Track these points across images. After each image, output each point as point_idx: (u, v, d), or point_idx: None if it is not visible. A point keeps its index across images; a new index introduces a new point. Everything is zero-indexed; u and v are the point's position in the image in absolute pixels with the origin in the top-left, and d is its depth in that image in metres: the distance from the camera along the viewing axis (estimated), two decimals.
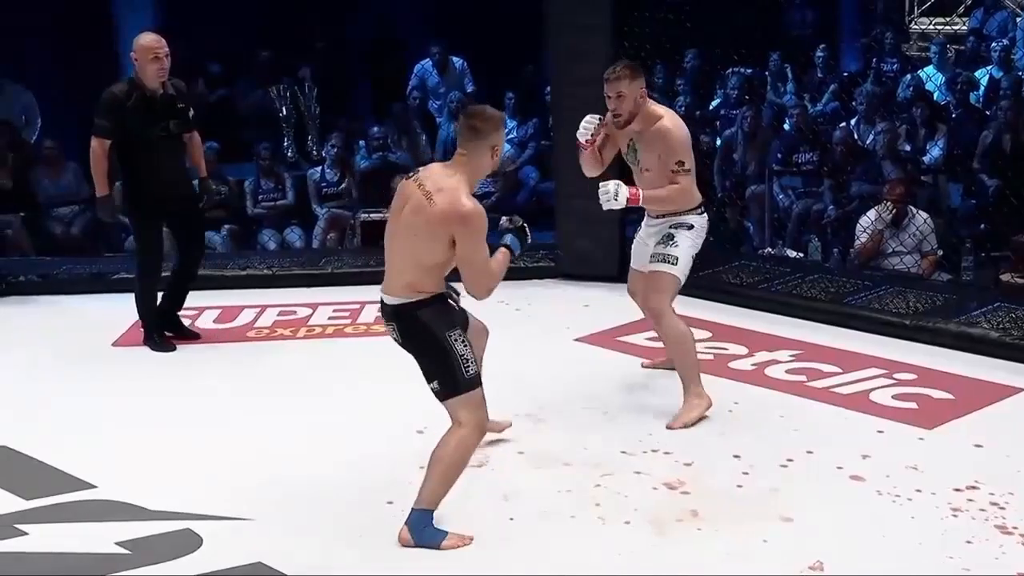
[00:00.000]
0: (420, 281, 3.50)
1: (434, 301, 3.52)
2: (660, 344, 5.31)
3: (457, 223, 3.40)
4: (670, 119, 4.45)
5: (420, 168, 3.65)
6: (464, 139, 3.50)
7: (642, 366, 4.98)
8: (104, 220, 5.38)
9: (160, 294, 5.52)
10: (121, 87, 5.18)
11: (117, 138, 5.13)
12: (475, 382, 3.51)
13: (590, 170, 4.63)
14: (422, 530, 3.50)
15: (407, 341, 3.57)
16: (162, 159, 5.22)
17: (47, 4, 7.54)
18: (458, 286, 3.58)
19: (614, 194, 4.34)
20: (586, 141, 4.51)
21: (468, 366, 3.49)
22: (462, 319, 3.68)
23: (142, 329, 5.48)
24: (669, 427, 4.38)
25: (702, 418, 4.43)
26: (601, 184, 4.38)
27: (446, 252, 3.45)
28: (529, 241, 3.70)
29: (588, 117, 4.50)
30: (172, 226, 5.50)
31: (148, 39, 5.17)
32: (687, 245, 4.47)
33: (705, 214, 4.56)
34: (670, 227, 4.49)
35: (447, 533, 3.52)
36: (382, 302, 3.58)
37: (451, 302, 3.62)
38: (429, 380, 3.56)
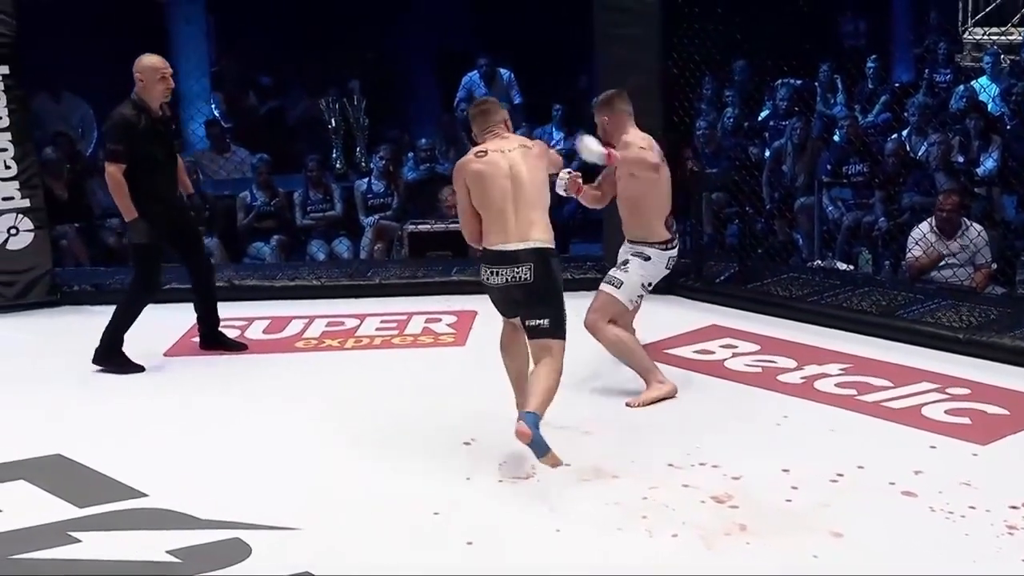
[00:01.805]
0: (548, 229, 4.18)
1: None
2: (707, 357, 5.33)
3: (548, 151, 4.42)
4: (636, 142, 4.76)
5: (485, 147, 4.25)
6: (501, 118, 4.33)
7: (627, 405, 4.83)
8: (139, 242, 5.21)
9: (196, 315, 5.55)
10: (130, 110, 5.13)
11: (129, 161, 5.08)
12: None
13: (594, 205, 5.03)
14: (536, 428, 3.90)
15: (537, 281, 4.11)
16: (168, 179, 5.27)
17: (104, 17, 7.67)
18: None
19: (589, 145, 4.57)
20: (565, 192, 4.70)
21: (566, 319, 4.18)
22: None
23: (103, 345, 5.31)
24: (628, 404, 4.68)
25: (663, 399, 4.70)
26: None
27: None
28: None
29: (561, 173, 4.65)
30: (177, 244, 5.45)
31: (154, 59, 5.16)
32: (637, 273, 4.77)
33: (669, 251, 4.81)
34: (631, 253, 4.81)
35: (549, 450, 3.90)
36: (509, 252, 4.10)
37: None
38: (537, 318, 4.12)
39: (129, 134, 5.08)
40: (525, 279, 4.11)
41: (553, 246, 4.21)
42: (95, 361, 5.30)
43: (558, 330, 4.14)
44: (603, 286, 4.82)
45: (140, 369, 5.31)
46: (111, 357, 5.30)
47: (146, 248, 5.22)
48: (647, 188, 4.76)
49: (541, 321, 4.12)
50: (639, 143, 4.75)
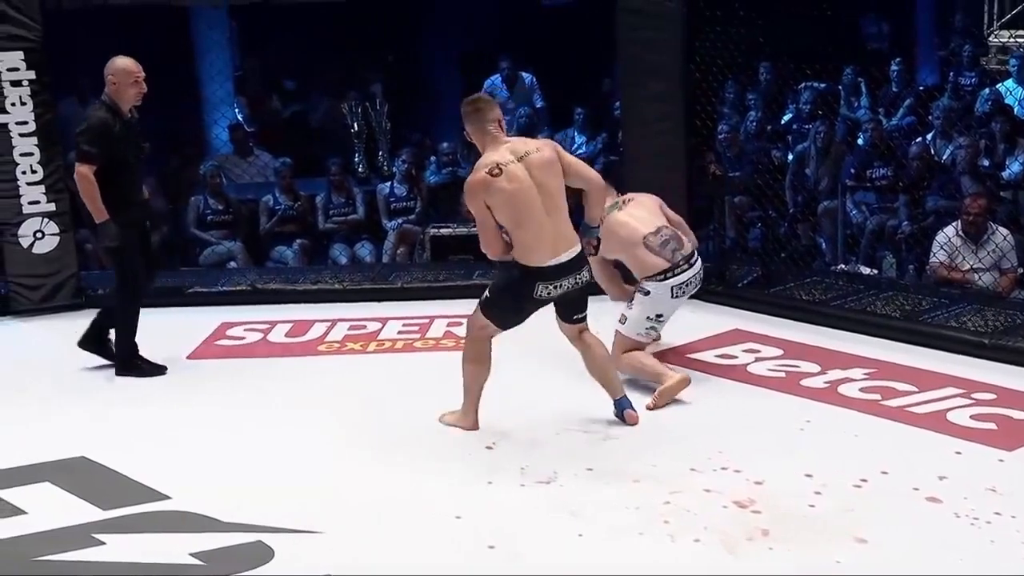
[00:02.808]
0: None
1: None
2: (729, 361, 5.31)
3: (558, 148, 4.38)
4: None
5: (496, 160, 4.19)
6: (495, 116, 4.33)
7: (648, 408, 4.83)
8: (108, 245, 5.15)
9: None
10: (104, 112, 5.09)
11: (102, 163, 5.04)
12: None
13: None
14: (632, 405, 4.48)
15: (591, 274, 4.40)
16: (136, 181, 5.27)
17: (129, 22, 7.72)
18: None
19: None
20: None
21: None
22: None
23: (119, 358, 5.33)
24: (649, 407, 4.72)
25: (677, 388, 4.77)
26: None
27: None
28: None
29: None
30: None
31: (128, 62, 5.13)
32: (638, 308, 4.94)
33: (671, 279, 4.91)
34: (635, 291, 5.01)
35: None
36: (565, 264, 4.24)
37: None
38: (583, 311, 4.44)
39: (105, 137, 5.05)
40: (587, 279, 4.38)
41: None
42: (118, 373, 5.33)
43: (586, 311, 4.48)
44: (616, 324, 5.00)
45: (163, 370, 5.33)
46: (129, 367, 5.32)
47: (117, 251, 5.18)
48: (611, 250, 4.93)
49: (584, 312, 4.45)
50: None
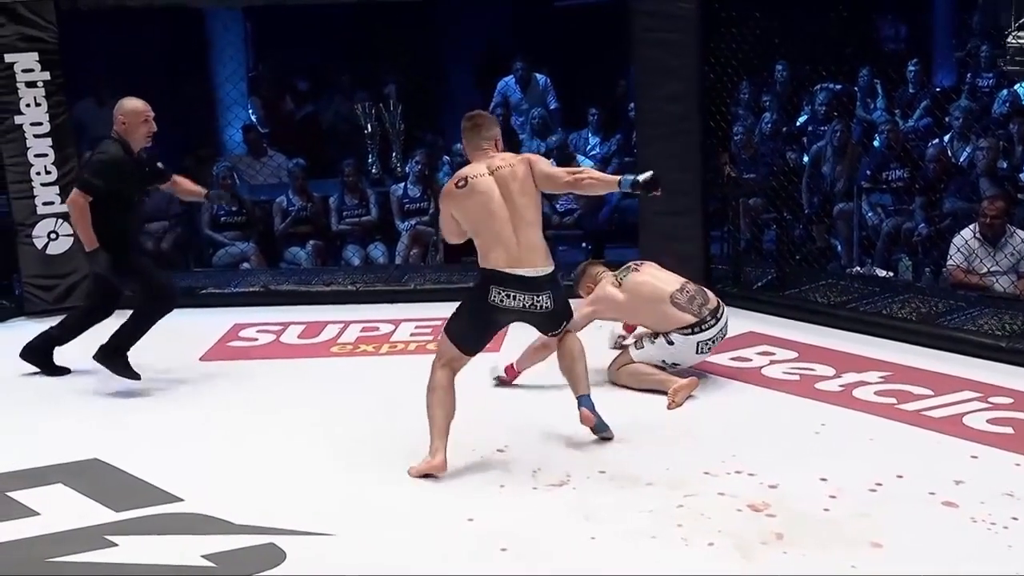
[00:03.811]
0: (548, 250, 4.28)
1: None
2: (744, 364, 5.30)
3: (534, 161, 4.33)
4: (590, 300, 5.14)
5: (467, 173, 4.25)
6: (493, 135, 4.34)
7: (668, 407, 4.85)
8: (99, 272, 5.19)
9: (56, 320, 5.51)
10: (117, 151, 5.11)
11: (100, 196, 5.04)
12: None
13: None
14: (594, 407, 4.37)
15: (555, 304, 4.26)
16: (134, 219, 5.34)
17: (143, 23, 7.75)
18: None
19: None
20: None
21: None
22: None
23: (112, 346, 5.23)
24: (669, 407, 4.77)
25: (690, 389, 4.85)
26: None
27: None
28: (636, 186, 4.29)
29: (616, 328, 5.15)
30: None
31: (137, 103, 5.15)
32: (657, 349, 4.97)
33: (699, 335, 4.95)
34: (662, 331, 5.01)
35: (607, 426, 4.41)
36: (528, 279, 4.17)
37: None
38: (556, 328, 4.36)
39: (112, 174, 5.06)
40: (546, 307, 4.24)
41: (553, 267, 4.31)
42: (96, 357, 5.23)
43: (570, 319, 4.42)
44: (631, 347, 5.04)
45: (137, 377, 5.22)
46: (113, 359, 5.21)
47: (106, 278, 5.21)
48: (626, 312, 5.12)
49: (559, 327, 4.38)
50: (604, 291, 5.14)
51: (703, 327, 4.94)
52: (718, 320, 4.98)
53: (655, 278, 5.06)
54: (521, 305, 4.20)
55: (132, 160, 5.15)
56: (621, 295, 5.03)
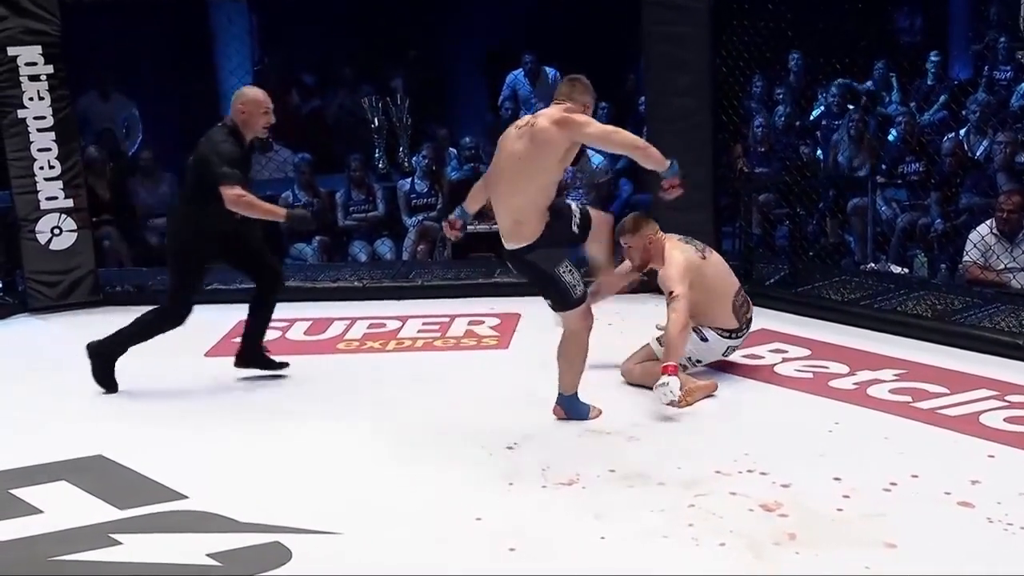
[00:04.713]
0: (524, 223, 4.34)
1: None
2: (756, 362, 5.27)
3: (572, 124, 4.32)
4: (669, 267, 4.79)
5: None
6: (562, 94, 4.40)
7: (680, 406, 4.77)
8: (308, 228, 5.50)
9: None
10: (228, 137, 4.92)
11: (210, 185, 4.82)
12: None
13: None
14: (571, 407, 4.50)
15: (522, 273, 4.49)
16: (226, 214, 5.04)
17: (147, 16, 7.72)
18: None
19: (670, 390, 4.49)
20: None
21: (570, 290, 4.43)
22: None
23: (108, 349, 5.11)
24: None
25: (705, 391, 4.77)
26: (657, 387, 4.53)
27: None
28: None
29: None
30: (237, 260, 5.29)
31: (258, 92, 5.03)
32: (687, 346, 4.82)
33: (731, 340, 4.95)
34: (691, 326, 4.85)
35: (590, 407, 4.52)
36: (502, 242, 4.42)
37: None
38: (543, 296, 4.45)
39: (238, 160, 4.87)
40: (512, 271, 4.51)
41: (530, 241, 4.29)
42: (90, 351, 5.10)
43: (563, 304, 4.39)
44: (653, 340, 4.92)
45: (114, 389, 5.10)
46: (104, 361, 5.08)
47: (185, 257, 5.05)
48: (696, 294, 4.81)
49: (547, 300, 4.43)
50: (667, 264, 4.83)
51: (738, 334, 4.96)
52: (749, 329, 5.00)
53: (726, 271, 5.00)
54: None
55: (242, 148, 4.97)
56: (702, 270, 4.85)
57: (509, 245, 4.35)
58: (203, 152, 4.89)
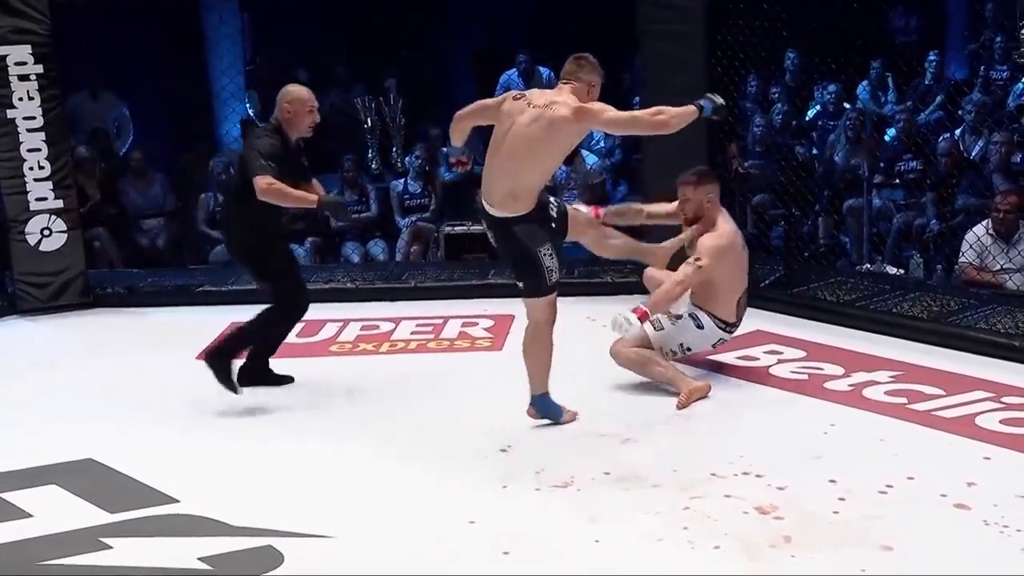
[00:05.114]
0: (519, 197, 4.36)
1: None
2: (751, 363, 5.25)
3: (588, 114, 4.37)
4: (716, 237, 4.75)
5: (524, 94, 4.46)
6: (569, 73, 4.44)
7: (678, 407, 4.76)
8: (341, 216, 5.60)
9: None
10: (272, 136, 4.87)
11: (278, 176, 4.75)
12: None
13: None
14: (545, 408, 4.47)
15: (500, 246, 4.47)
16: (279, 215, 5.06)
17: (138, 15, 7.70)
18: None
19: (629, 322, 4.56)
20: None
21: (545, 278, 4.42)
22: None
23: (226, 352, 4.97)
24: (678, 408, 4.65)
25: (700, 394, 4.75)
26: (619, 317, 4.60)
27: None
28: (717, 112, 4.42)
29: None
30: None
31: (303, 91, 4.97)
32: (679, 332, 4.86)
33: (723, 333, 4.92)
34: (688, 311, 4.89)
35: (563, 410, 4.48)
36: (483, 211, 4.41)
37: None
38: (516, 279, 4.47)
39: (277, 158, 4.79)
40: (491, 241, 4.47)
41: (520, 213, 4.31)
42: (207, 358, 4.95)
43: (535, 288, 4.38)
44: (648, 325, 4.81)
45: (237, 391, 4.92)
46: (221, 363, 4.92)
47: (272, 271, 4.99)
48: (719, 275, 4.81)
49: (518, 282, 4.43)
50: (718, 236, 4.79)
51: (731, 330, 4.97)
52: (737, 330, 5.03)
53: (746, 267, 4.99)
54: (485, 228, 4.45)
55: (287, 147, 4.92)
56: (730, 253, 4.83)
57: (497, 213, 4.34)
58: (244, 151, 4.89)
